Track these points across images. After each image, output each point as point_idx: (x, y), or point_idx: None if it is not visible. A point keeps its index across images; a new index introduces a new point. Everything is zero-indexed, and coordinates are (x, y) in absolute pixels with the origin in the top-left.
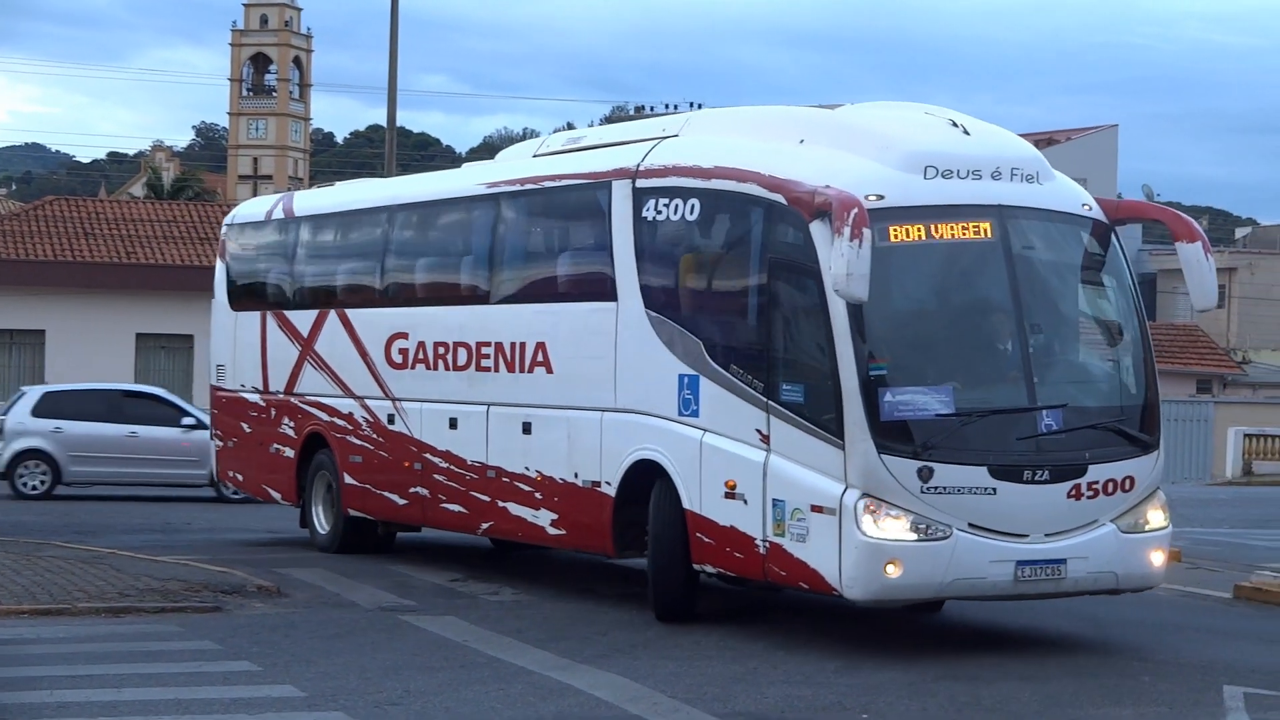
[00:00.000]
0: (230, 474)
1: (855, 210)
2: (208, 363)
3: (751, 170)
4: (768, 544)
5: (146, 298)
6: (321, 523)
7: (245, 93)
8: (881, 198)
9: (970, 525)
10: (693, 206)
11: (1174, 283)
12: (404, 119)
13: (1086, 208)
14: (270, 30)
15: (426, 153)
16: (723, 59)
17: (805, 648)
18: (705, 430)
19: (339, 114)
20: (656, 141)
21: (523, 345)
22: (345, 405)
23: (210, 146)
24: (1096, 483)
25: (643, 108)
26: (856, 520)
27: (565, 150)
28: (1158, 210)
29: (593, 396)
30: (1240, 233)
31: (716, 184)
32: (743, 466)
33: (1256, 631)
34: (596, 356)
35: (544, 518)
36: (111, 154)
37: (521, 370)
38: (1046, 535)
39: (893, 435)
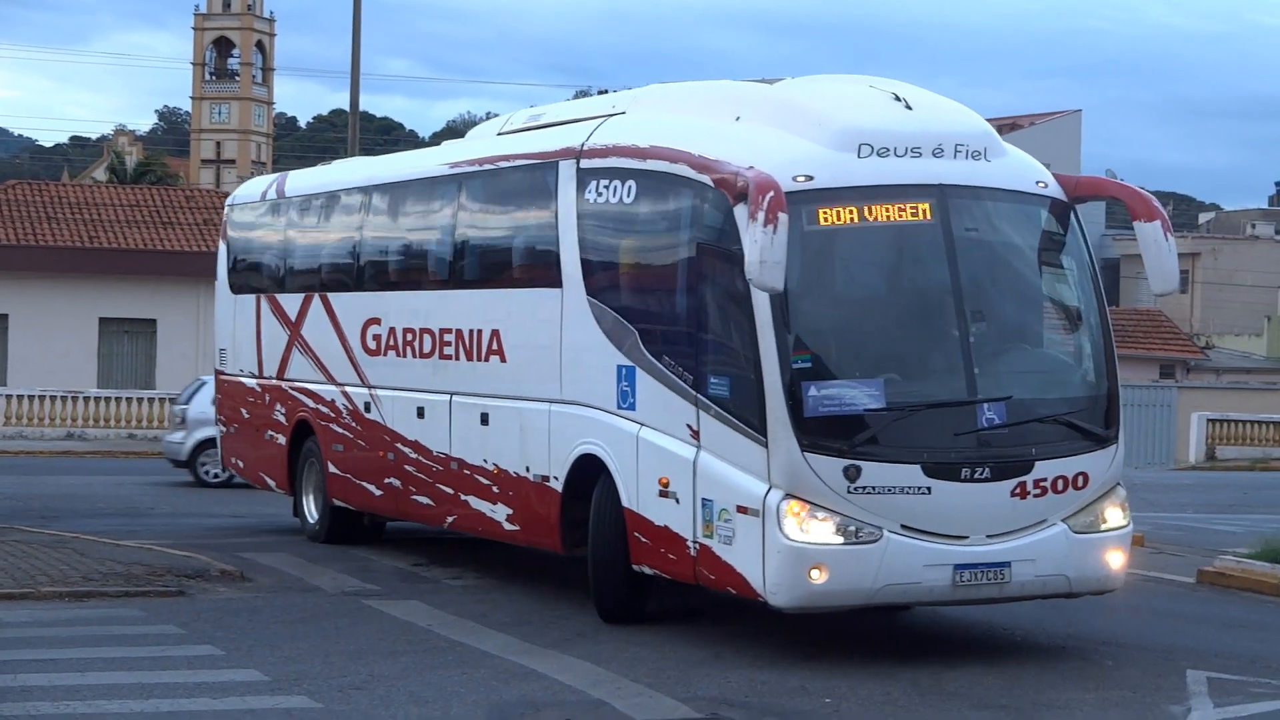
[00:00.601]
0: (232, 460)
1: (771, 193)
2: (169, 347)
3: (683, 150)
4: (698, 545)
5: (109, 282)
6: (311, 512)
7: (208, 77)
8: (811, 178)
9: (903, 527)
10: (630, 188)
11: (1137, 268)
12: (367, 103)
13: (1042, 185)
14: (233, 14)
15: (390, 137)
16: (690, 44)
17: (769, 635)
18: (642, 425)
19: (302, 98)
20: (603, 120)
21: (479, 333)
22: (328, 392)
23: (173, 130)
24: (1044, 480)
25: (606, 93)
26: (779, 523)
27: (524, 129)
28: (1117, 187)
29: (542, 387)
30: (1204, 218)
31: (651, 164)
32: (675, 464)
33: (1219, 616)
34: (544, 345)
35: (500, 512)
36: (74, 138)
37: (478, 359)
38: (989, 537)
39: (817, 432)
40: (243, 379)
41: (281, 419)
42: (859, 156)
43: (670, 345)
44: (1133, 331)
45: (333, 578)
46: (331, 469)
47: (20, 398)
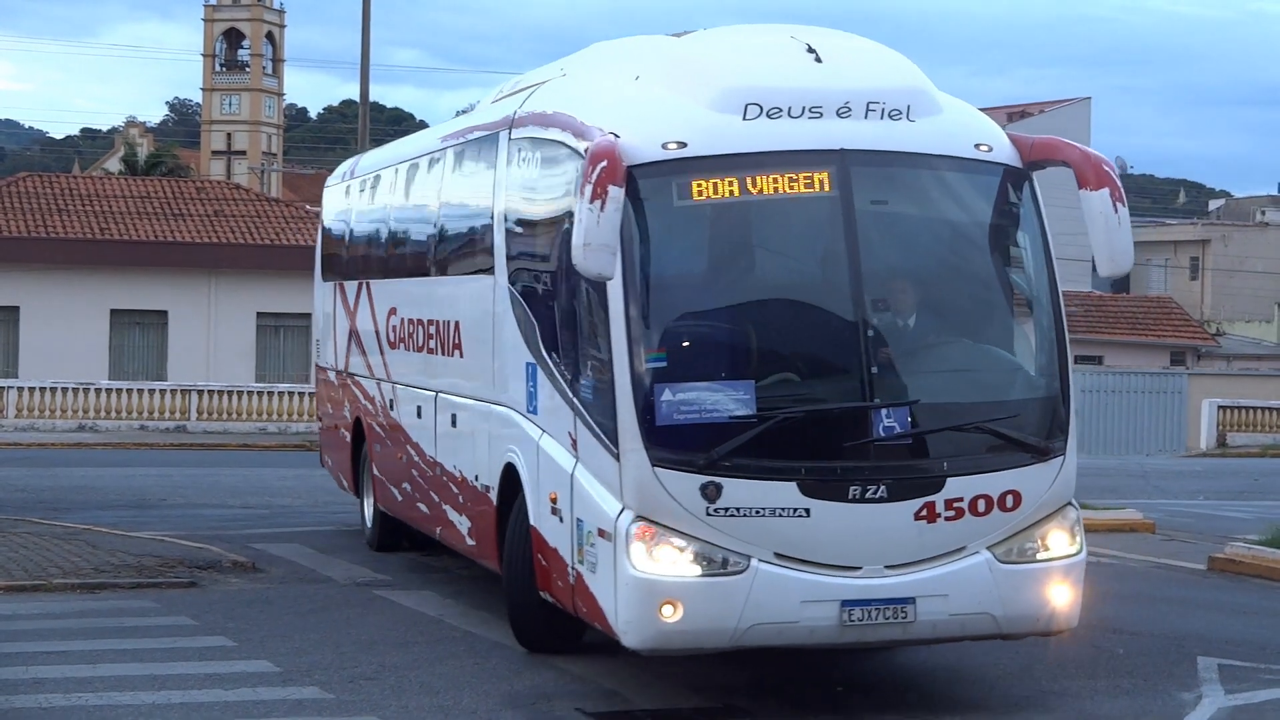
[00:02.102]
0: (324, 459)
1: (603, 164)
2: (180, 339)
3: (571, 116)
4: (575, 572)
5: (121, 274)
6: (367, 517)
7: (218, 68)
8: (683, 145)
9: (777, 556)
10: (538, 160)
11: (1147, 254)
12: (377, 94)
13: (984, 149)
14: (243, 5)
15: (400, 128)
16: None
17: None
18: (544, 432)
19: (312, 89)
20: (539, 85)
21: (447, 324)
22: (371, 387)
23: (184, 122)
24: (959, 500)
25: None
26: (628, 549)
27: (499, 97)
28: (1066, 148)
29: (483, 385)
30: (1214, 205)
31: (550, 133)
32: (560, 477)
33: (1230, 603)
34: (482, 339)
35: (464, 525)
36: (85, 130)
37: (447, 354)
38: (888, 568)
39: (671, 443)
40: (329, 371)
41: (347, 415)
42: (744, 118)
43: (556, 340)
44: (1143, 319)
45: (344, 568)
46: (375, 471)
47: (32, 390)
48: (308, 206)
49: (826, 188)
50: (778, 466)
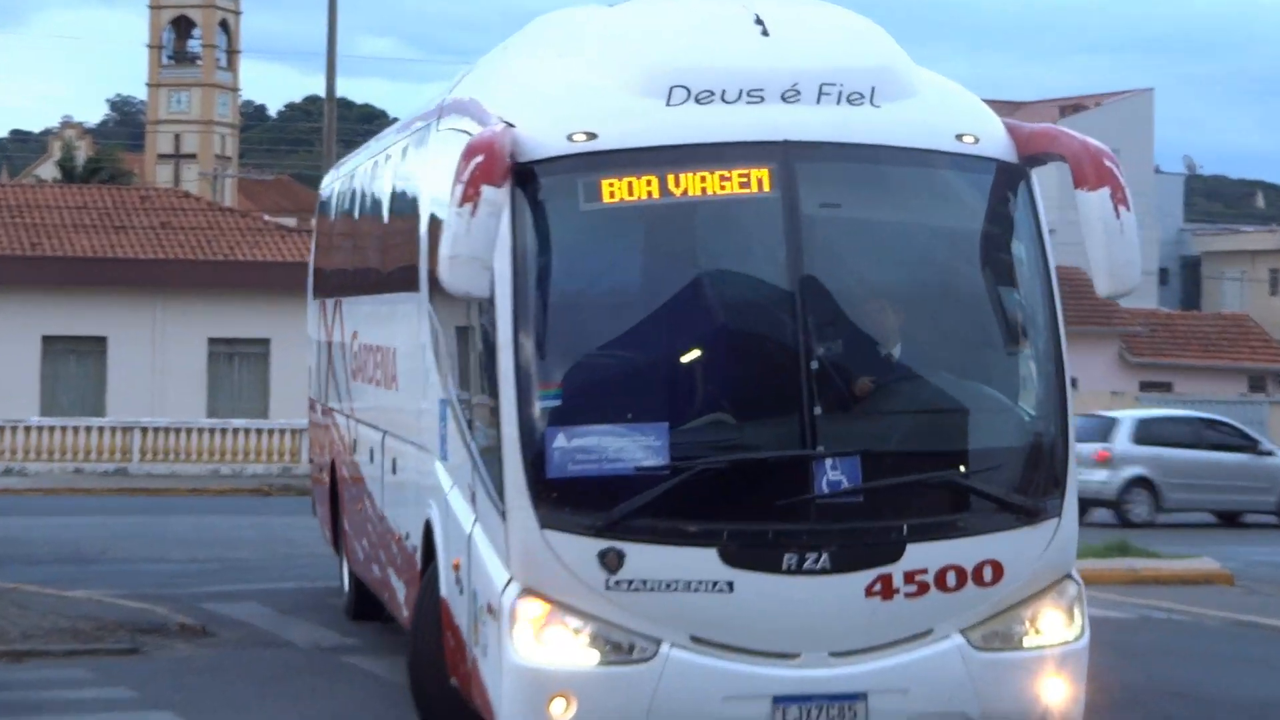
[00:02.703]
0: (315, 510)
1: (477, 159)
2: (121, 368)
3: (478, 103)
4: (472, 657)
5: (54, 295)
6: (343, 576)
7: (166, 61)
8: (593, 136)
9: (694, 640)
10: (453, 155)
11: (1221, 265)
12: (345, 88)
13: (968, 140)
14: None
15: (371, 126)
16: None
17: None
18: (453, 483)
19: (272, 83)
20: (474, 67)
21: (387, 351)
22: (342, 424)
23: (127, 122)
24: (923, 571)
25: None
26: (512, 630)
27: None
28: (1064, 138)
29: (412, 425)
30: None
31: (464, 123)
32: (461, 539)
33: None
34: (415, 370)
35: (400, 592)
36: (15, 132)
37: (387, 386)
38: (832, 655)
39: (565, 500)
40: (316, 405)
41: (326, 457)
42: (669, 103)
43: (460, 372)
44: (1216, 339)
45: (307, 631)
46: (345, 525)
47: None
48: (266, 216)
49: (765, 187)
50: (695, 529)
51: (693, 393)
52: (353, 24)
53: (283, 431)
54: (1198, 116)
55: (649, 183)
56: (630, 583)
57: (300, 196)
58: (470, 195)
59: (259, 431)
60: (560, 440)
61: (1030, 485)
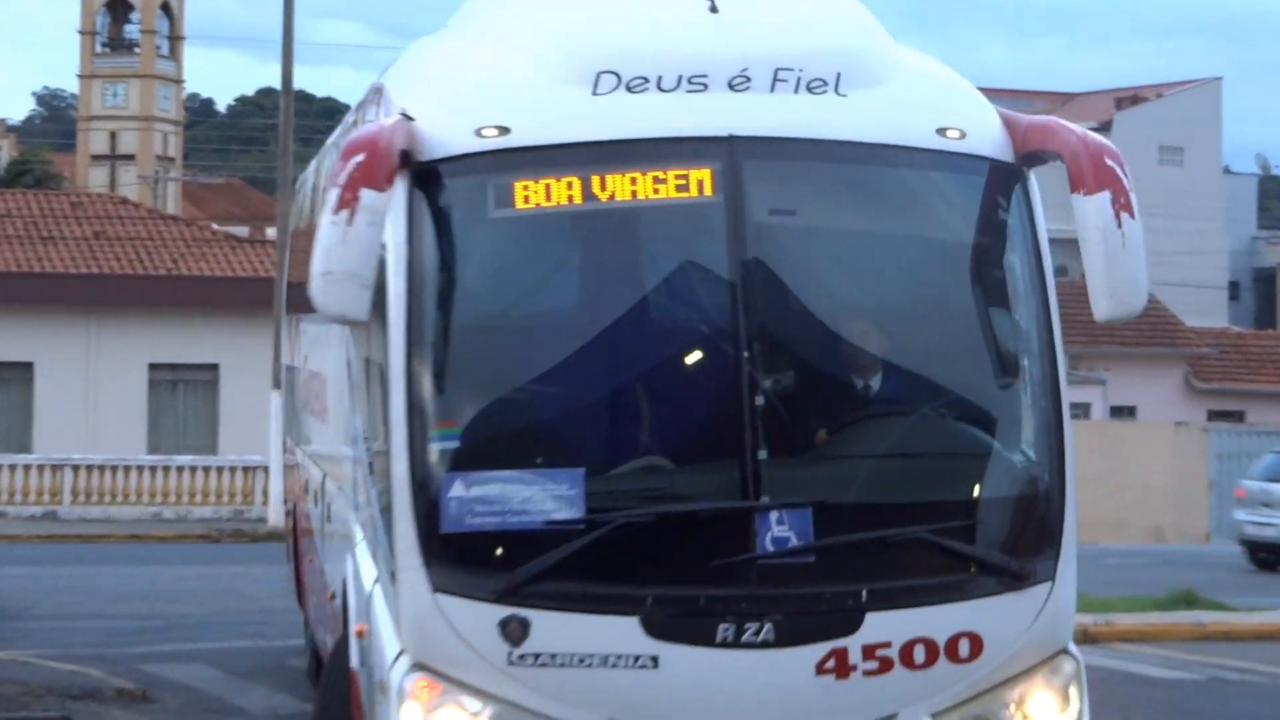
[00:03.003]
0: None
1: (357, 159)
2: (49, 396)
3: (385, 93)
4: None
5: None
6: (306, 634)
7: (99, 49)
8: (506, 131)
9: None
10: None
11: None
12: (303, 79)
13: (953, 135)
14: None
15: (333, 122)
16: None
17: None
18: (362, 536)
19: (220, 74)
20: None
21: (322, 379)
22: (301, 461)
23: (56, 119)
24: (885, 645)
25: None
26: (399, 712)
27: None
28: (1063, 133)
29: (336, 465)
30: None
31: (375, 116)
32: (364, 602)
33: None
34: (340, 403)
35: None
36: None
37: (321, 419)
38: None
39: (461, 558)
40: (286, 439)
41: (290, 501)
42: (595, 92)
43: (368, 408)
44: None
45: (262, 696)
46: (303, 576)
47: None
48: (214, 225)
49: (706, 191)
50: (614, 595)
51: (615, 434)
52: (312, 6)
53: (233, 469)
54: (1273, 109)
55: (570, 185)
56: (537, 657)
57: (253, 202)
58: (347, 201)
59: (206, 470)
60: (457, 488)
61: (1017, 543)
